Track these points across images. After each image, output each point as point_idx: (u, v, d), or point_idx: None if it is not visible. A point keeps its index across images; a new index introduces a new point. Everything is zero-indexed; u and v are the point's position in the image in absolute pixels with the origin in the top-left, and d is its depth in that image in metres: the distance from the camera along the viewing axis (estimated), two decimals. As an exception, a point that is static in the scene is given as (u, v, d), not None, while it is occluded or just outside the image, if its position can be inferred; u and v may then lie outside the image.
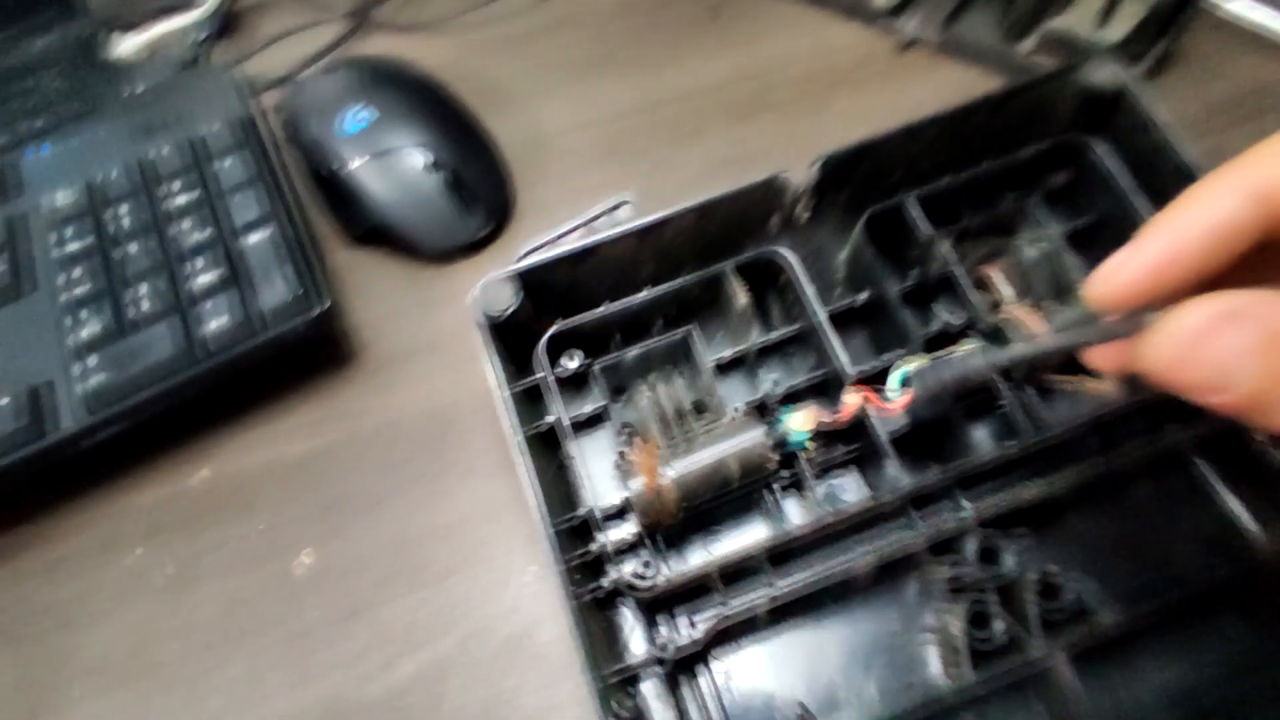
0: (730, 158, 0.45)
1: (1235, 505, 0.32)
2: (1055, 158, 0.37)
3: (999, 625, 0.29)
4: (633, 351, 0.34)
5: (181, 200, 0.40)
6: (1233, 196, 0.18)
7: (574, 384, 0.36)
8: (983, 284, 0.35)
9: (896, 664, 0.31)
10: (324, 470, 0.38)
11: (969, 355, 0.30)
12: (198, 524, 0.38)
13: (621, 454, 0.33)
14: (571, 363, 0.35)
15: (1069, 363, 0.33)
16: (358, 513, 0.37)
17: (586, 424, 0.35)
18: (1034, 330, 0.32)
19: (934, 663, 0.31)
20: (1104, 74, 0.35)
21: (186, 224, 0.39)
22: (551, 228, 0.42)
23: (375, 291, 0.43)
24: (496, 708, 0.33)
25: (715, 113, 0.47)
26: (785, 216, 0.37)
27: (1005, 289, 0.34)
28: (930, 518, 0.31)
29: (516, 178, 0.46)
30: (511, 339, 0.34)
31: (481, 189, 0.44)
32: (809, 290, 0.33)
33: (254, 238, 0.39)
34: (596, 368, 0.35)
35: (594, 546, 0.31)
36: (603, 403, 0.34)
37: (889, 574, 0.32)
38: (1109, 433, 0.32)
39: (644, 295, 0.34)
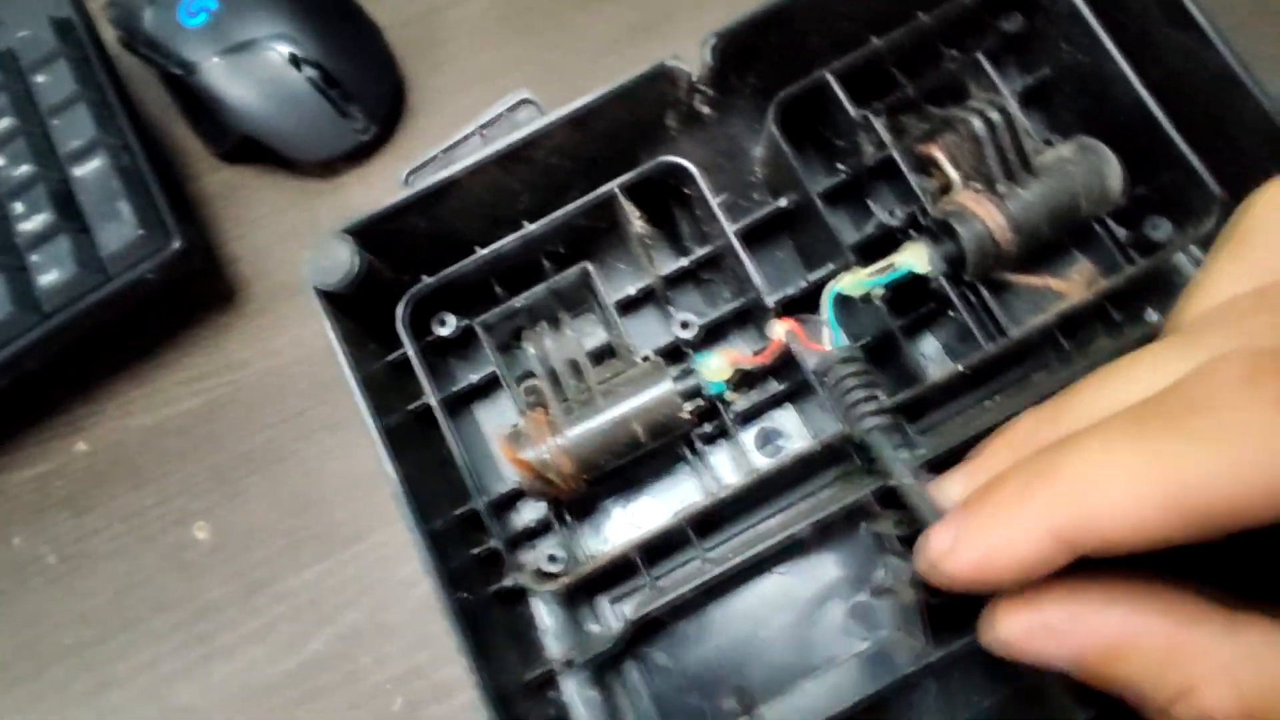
0: (649, 19, 0.38)
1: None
2: (1003, 1, 0.30)
3: None
4: (518, 301, 0.29)
5: (-7, 129, 0.34)
6: (1034, 541, 0.15)
7: (461, 345, 0.31)
8: (928, 166, 0.29)
9: (848, 630, 0.28)
10: (210, 431, 0.34)
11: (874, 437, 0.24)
12: (79, 503, 0.34)
13: (515, 425, 0.27)
14: (443, 329, 0.29)
15: (1030, 262, 0.28)
16: (252, 476, 0.33)
17: (484, 389, 0.30)
18: (987, 219, 0.26)
19: (888, 626, 0.27)
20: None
21: (4, 157, 0.33)
22: (444, 135, 0.36)
23: (252, 216, 0.37)
24: (413, 680, 0.30)
25: (630, -37, 0.39)
26: (683, 113, 0.30)
27: (952, 171, 0.28)
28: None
29: (403, 65, 0.39)
30: (370, 303, 0.28)
31: (360, 83, 0.37)
32: (714, 204, 0.27)
33: (84, 168, 0.33)
34: (478, 326, 0.29)
35: (491, 543, 0.27)
36: (492, 367, 0.29)
37: (836, 527, 0.28)
38: (1075, 334, 0.27)
39: (520, 234, 0.28)
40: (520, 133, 0.27)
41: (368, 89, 0.37)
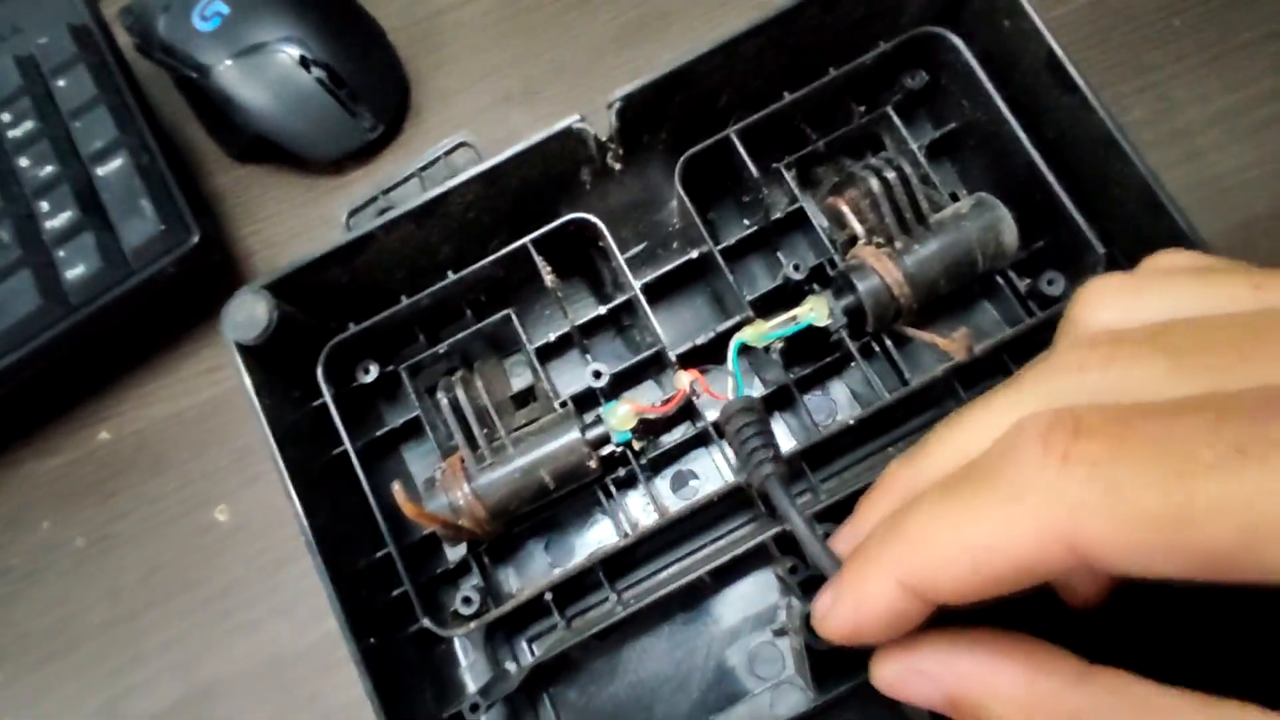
0: (646, 17, 0.40)
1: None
2: (907, 58, 0.31)
3: None
4: (442, 347, 0.29)
5: (19, 131, 0.35)
6: (889, 594, 0.17)
7: (386, 391, 0.32)
8: (838, 217, 0.30)
9: (751, 670, 0.29)
10: (229, 418, 0.35)
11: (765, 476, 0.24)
12: (105, 489, 0.35)
13: (433, 472, 0.28)
14: (366, 376, 0.30)
15: (932, 314, 0.30)
16: (269, 460, 0.34)
17: (411, 431, 0.31)
18: (884, 274, 0.27)
19: (788, 665, 0.28)
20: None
21: (29, 158, 0.34)
22: (446, 133, 0.37)
23: (264, 213, 0.39)
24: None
25: (626, -35, 0.41)
26: (597, 169, 0.31)
27: (857, 225, 0.29)
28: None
29: (408, 65, 0.40)
30: (294, 351, 0.29)
31: (366, 84, 0.39)
32: (621, 259, 0.28)
33: (106, 167, 0.34)
34: (404, 371, 0.29)
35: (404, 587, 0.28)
36: (415, 411, 0.29)
37: (740, 569, 0.29)
38: (975, 385, 0.29)
39: (434, 288, 0.29)
40: (431, 192, 0.28)
41: (374, 89, 0.39)
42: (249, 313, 0.27)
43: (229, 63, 0.37)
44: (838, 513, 0.27)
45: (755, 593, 0.30)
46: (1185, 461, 0.12)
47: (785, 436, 0.30)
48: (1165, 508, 0.12)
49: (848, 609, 0.18)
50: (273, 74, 0.37)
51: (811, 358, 0.30)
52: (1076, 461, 0.13)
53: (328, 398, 0.28)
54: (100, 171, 0.34)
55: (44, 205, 0.34)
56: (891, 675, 0.18)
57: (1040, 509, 0.14)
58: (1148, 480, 0.13)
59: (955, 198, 0.30)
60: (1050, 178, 0.28)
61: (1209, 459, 0.12)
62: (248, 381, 0.27)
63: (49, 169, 0.34)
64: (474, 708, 0.26)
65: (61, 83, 0.36)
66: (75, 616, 0.33)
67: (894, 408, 0.28)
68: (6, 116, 0.35)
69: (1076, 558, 0.14)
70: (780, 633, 0.29)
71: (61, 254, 0.33)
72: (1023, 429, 0.14)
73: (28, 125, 0.35)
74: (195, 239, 0.33)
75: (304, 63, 0.37)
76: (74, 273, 0.33)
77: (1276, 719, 0.13)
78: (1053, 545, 0.14)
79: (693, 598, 0.30)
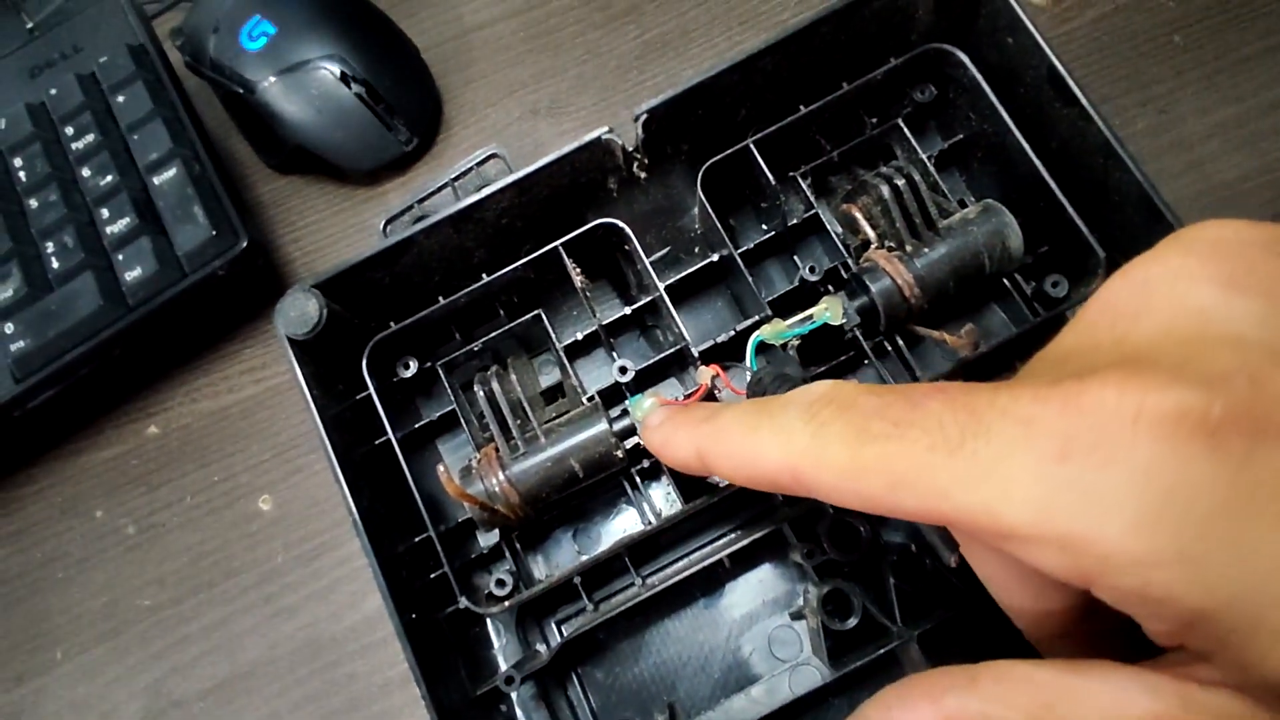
0: (668, 35, 0.42)
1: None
2: (916, 73, 0.33)
3: (855, 610, 0.28)
4: (476, 345, 0.31)
5: (82, 144, 0.37)
6: (687, 451, 0.22)
7: (423, 386, 0.33)
8: (851, 223, 0.31)
9: (770, 652, 0.30)
10: (271, 414, 0.37)
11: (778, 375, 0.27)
12: (153, 480, 0.37)
13: (469, 460, 0.30)
14: (406, 371, 0.32)
15: (942, 315, 0.31)
16: (310, 454, 0.36)
17: (446, 425, 0.32)
18: (896, 276, 0.29)
19: (806, 647, 0.30)
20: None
21: (91, 168, 0.37)
22: (477, 145, 0.39)
23: (304, 221, 0.41)
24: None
25: (649, -15, 0.43)
26: (623, 177, 0.33)
27: (869, 230, 0.31)
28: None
29: (440, 81, 0.43)
30: (339, 347, 0.31)
31: (402, 99, 0.41)
32: (647, 262, 0.30)
33: (162, 176, 0.36)
34: (440, 367, 0.31)
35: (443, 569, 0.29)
36: (451, 405, 0.31)
37: (759, 556, 0.31)
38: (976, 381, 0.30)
39: (469, 288, 0.31)
40: (468, 199, 0.30)
41: (409, 104, 0.41)
42: (301, 309, 0.29)
43: (273, 79, 0.40)
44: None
45: (773, 579, 0.31)
46: (864, 431, 0.17)
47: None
48: (847, 461, 0.17)
49: (657, 439, 0.24)
50: (315, 90, 0.40)
51: (826, 356, 0.31)
52: (817, 420, 0.18)
53: (372, 390, 0.30)
54: (156, 181, 0.36)
55: (104, 212, 0.36)
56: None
57: (785, 444, 0.18)
58: (842, 441, 0.17)
59: (963, 204, 0.31)
60: (1053, 185, 0.29)
61: (877, 430, 0.17)
62: (299, 373, 0.29)
63: (109, 179, 0.36)
64: (509, 680, 0.28)
65: (120, 99, 0.38)
66: (125, 600, 0.35)
67: None
68: (70, 130, 0.38)
69: (800, 485, 0.18)
70: (798, 616, 0.30)
71: (120, 257, 0.35)
72: (809, 391, 0.19)
73: (89, 138, 0.37)
74: (243, 244, 0.35)
75: (344, 79, 0.39)
76: (132, 275, 0.35)
77: (1140, 673, 0.15)
78: (784, 472, 0.19)
79: (713, 583, 0.31)
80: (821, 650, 0.28)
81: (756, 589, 0.31)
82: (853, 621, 0.28)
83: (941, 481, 0.16)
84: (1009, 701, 0.16)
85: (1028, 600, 0.19)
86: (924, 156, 0.31)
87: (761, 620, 0.31)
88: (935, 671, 0.17)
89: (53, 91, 0.39)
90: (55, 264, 0.35)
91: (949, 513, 0.16)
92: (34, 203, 0.37)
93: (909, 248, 0.30)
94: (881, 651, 0.27)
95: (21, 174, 0.37)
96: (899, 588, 0.28)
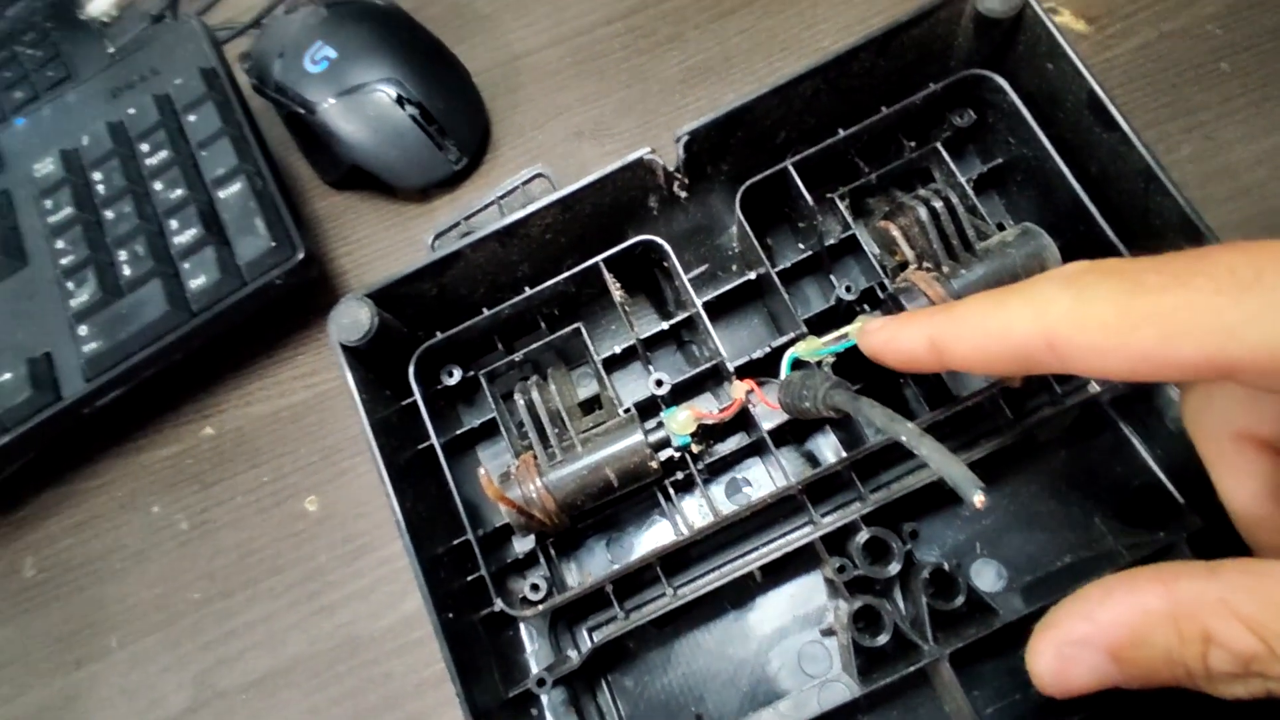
0: (710, 61, 0.43)
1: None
2: (955, 98, 0.33)
3: (886, 626, 0.28)
4: (517, 356, 0.32)
5: (155, 159, 0.40)
6: (919, 342, 0.22)
7: (465, 394, 0.34)
8: (891, 244, 0.32)
9: (799, 667, 0.30)
10: (320, 419, 0.39)
11: (825, 386, 0.27)
12: (207, 478, 0.39)
13: (508, 467, 0.30)
14: (450, 379, 0.33)
15: None
16: (355, 457, 0.38)
17: (486, 432, 0.33)
18: (932, 296, 0.29)
19: (835, 663, 0.30)
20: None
21: (162, 182, 0.39)
22: (523, 164, 0.41)
23: (357, 235, 0.43)
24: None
25: (692, 13, 0.44)
26: (663, 196, 0.34)
27: (908, 250, 0.31)
28: (832, 508, 0.30)
29: (489, 104, 0.44)
30: (388, 355, 0.32)
31: (453, 120, 0.43)
32: (685, 278, 0.31)
33: (227, 191, 0.39)
34: (482, 376, 0.32)
35: (480, 571, 0.30)
36: (491, 413, 0.32)
37: (790, 571, 0.31)
38: (1015, 405, 0.30)
39: (512, 301, 0.32)
40: (514, 215, 0.31)
41: (460, 125, 0.43)
42: (354, 317, 0.30)
43: (333, 100, 0.42)
44: (883, 516, 0.29)
45: (803, 594, 0.31)
46: (1139, 284, 0.17)
47: (835, 449, 0.32)
48: (1116, 318, 0.17)
49: (883, 337, 0.23)
50: (371, 111, 0.42)
51: (861, 375, 0.31)
52: (1078, 284, 0.18)
53: (418, 396, 0.31)
54: (221, 195, 0.39)
55: (173, 223, 0.38)
56: (1048, 659, 0.18)
57: (1042, 312, 0.18)
58: (1110, 298, 0.17)
59: (1002, 228, 0.31)
60: (1093, 210, 0.29)
61: (1153, 283, 0.17)
62: (350, 378, 0.30)
63: (178, 192, 0.39)
64: (540, 682, 0.28)
65: (192, 118, 0.41)
66: (176, 593, 0.37)
67: (941, 424, 0.29)
68: (145, 147, 0.40)
69: (1055, 353, 0.18)
70: (828, 632, 0.30)
71: (186, 266, 0.37)
72: (1063, 268, 0.19)
73: (162, 154, 0.40)
74: (300, 255, 0.37)
75: (400, 101, 0.41)
76: (196, 283, 0.37)
77: None
78: (1038, 340, 0.18)
79: (743, 595, 0.31)
80: (851, 667, 0.28)
81: (787, 603, 0.31)
82: (884, 638, 0.28)
83: (1229, 319, 0.15)
84: (1258, 593, 0.16)
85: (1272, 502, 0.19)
86: (962, 180, 0.32)
87: (791, 635, 0.31)
88: (1161, 564, 0.17)
89: (131, 111, 0.41)
90: (127, 271, 0.38)
91: (1235, 352, 0.15)
92: (110, 214, 0.39)
93: (946, 269, 0.30)
94: (912, 669, 0.27)
95: (100, 187, 0.40)
96: (931, 605, 0.28)
